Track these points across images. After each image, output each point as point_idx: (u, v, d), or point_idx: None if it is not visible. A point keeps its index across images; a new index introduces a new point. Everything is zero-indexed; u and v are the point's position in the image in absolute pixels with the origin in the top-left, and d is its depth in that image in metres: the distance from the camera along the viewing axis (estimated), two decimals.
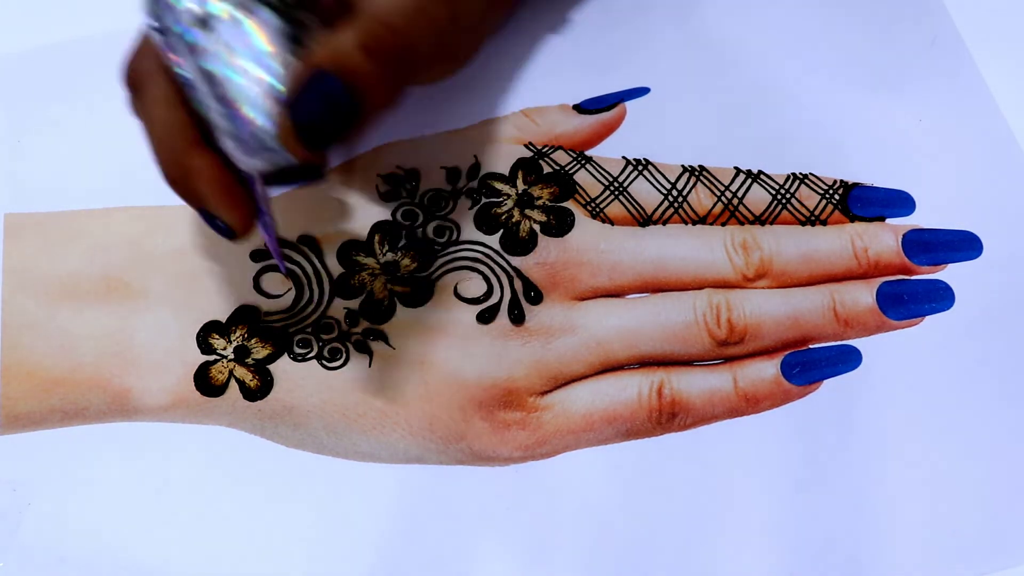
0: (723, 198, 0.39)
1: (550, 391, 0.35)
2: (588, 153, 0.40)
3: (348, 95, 0.28)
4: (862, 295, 0.37)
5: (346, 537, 0.33)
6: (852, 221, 0.38)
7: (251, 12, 0.28)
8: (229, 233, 0.30)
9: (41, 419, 0.35)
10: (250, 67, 0.28)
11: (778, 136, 0.40)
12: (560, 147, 0.40)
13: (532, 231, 0.38)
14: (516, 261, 0.37)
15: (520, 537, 0.33)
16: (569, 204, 0.38)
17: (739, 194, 0.39)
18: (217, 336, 0.36)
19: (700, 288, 0.37)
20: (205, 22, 0.27)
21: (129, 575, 0.32)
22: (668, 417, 0.35)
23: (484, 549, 0.33)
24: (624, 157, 0.40)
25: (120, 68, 0.29)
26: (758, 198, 0.39)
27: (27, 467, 0.34)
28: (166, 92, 0.29)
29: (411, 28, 0.30)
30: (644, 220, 0.38)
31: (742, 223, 0.38)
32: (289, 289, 0.36)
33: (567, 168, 0.39)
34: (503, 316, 0.36)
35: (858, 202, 0.39)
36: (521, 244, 0.37)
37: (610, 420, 0.35)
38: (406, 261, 0.37)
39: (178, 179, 0.30)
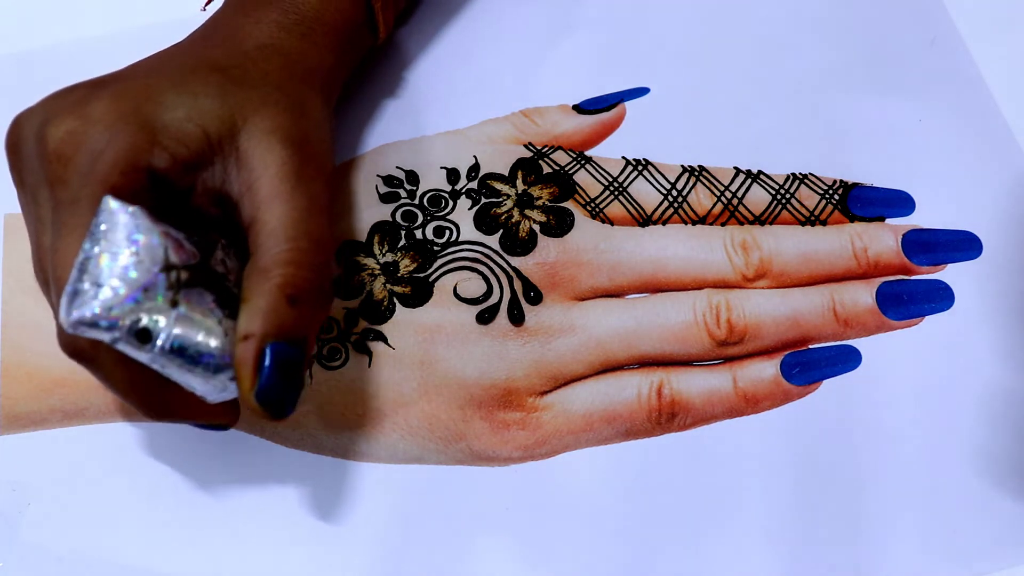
0: (723, 198, 0.39)
1: (550, 391, 0.35)
2: (588, 153, 0.40)
3: (296, 350, 0.28)
4: (862, 295, 0.37)
5: (346, 537, 0.33)
6: (852, 221, 0.38)
7: (179, 299, 0.28)
8: (224, 428, 0.32)
9: (41, 419, 0.35)
10: (199, 369, 0.28)
11: (778, 136, 0.40)
12: (560, 147, 0.40)
13: (532, 231, 0.38)
14: (516, 261, 0.37)
15: (520, 537, 0.33)
16: (569, 204, 0.38)
17: (739, 194, 0.39)
18: None
19: (700, 288, 0.37)
20: (143, 336, 0.27)
21: (128, 575, 0.32)
22: (668, 417, 0.35)
23: (484, 549, 0.33)
24: (624, 157, 0.40)
25: (60, 344, 0.28)
26: (758, 198, 0.39)
27: (27, 467, 0.34)
28: (115, 356, 0.28)
29: (317, 250, 0.29)
30: (644, 220, 0.38)
31: (742, 223, 0.38)
32: None
33: (567, 168, 0.39)
34: (503, 316, 0.36)
35: (858, 202, 0.39)
36: (521, 244, 0.37)
37: (610, 420, 0.35)
38: (406, 261, 0.37)
39: (162, 416, 0.30)
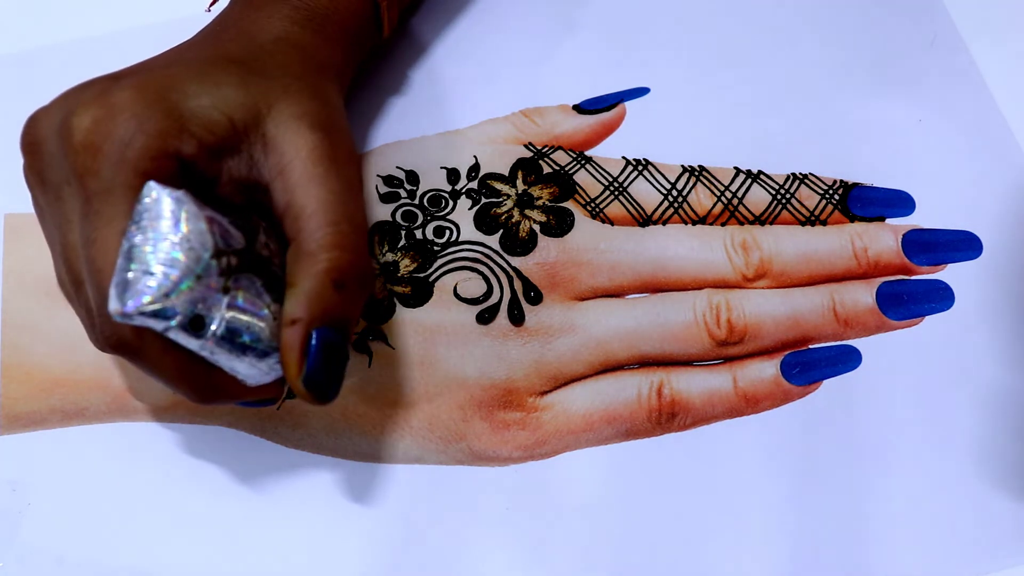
0: (723, 198, 0.39)
1: (550, 391, 0.35)
2: (588, 153, 0.40)
3: (341, 334, 0.28)
4: (862, 295, 0.37)
5: (346, 537, 0.33)
6: (852, 221, 0.38)
7: (229, 285, 0.27)
8: (270, 403, 0.31)
9: (41, 419, 0.35)
10: (248, 355, 0.28)
11: (778, 136, 0.40)
12: (560, 147, 0.40)
13: (532, 231, 0.38)
14: (516, 261, 0.37)
15: (520, 537, 0.33)
16: (569, 204, 0.38)
17: (739, 194, 0.39)
18: None
19: (700, 288, 0.37)
20: (196, 324, 0.27)
21: (128, 575, 0.32)
22: (668, 417, 0.35)
23: (484, 549, 0.33)
24: (624, 157, 0.40)
25: (101, 338, 0.28)
26: (758, 198, 0.39)
27: (27, 467, 0.34)
28: (161, 345, 0.28)
29: (358, 233, 0.29)
30: (644, 220, 0.38)
31: (742, 223, 0.38)
32: None
33: (567, 168, 0.39)
34: (503, 316, 0.36)
35: (858, 202, 0.39)
36: (521, 244, 0.37)
37: (610, 420, 0.35)
38: (406, 261, 0.37)
39: (210, 399, 0.29)
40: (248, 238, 0.28)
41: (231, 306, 0.27)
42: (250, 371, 0.28)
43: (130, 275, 0.26)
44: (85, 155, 0.28)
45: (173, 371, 0.28)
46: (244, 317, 0.27)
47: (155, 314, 0.26)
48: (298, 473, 0.34)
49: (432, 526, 0.33)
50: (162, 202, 0.27)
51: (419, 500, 0.34)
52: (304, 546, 0.33)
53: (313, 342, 0.28)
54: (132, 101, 0.28)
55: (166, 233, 0.26)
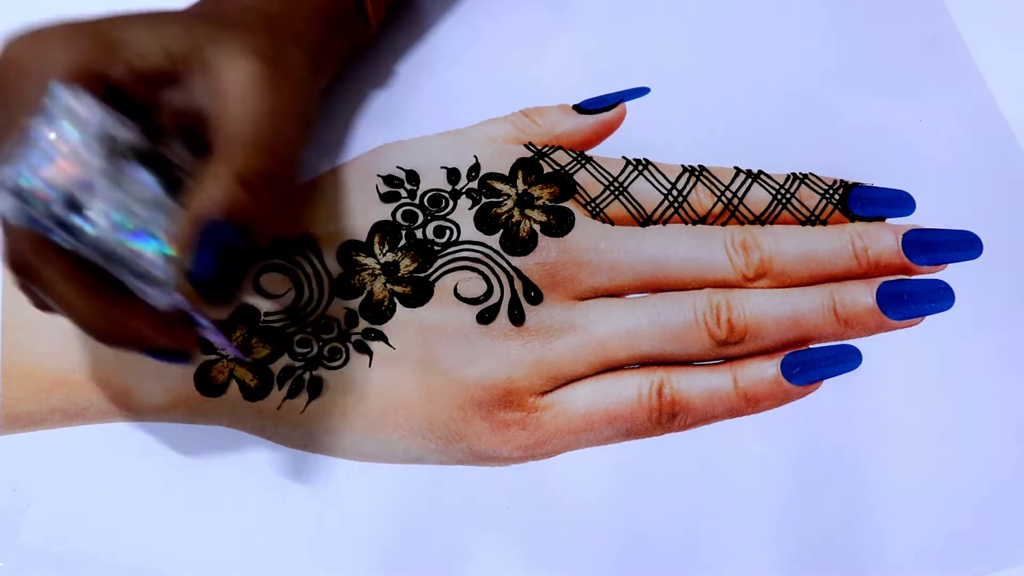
0: (723, 198, 0.39)
1: (550, 391, 0.35)
2: (588, 153, 0.40)
3: (240, 235, 0.27)
4: (862, 295, 0.37)
5: (346, 537, 0.33)
6: (852, 221, 0.38)
7: (120, 176, 0.27)
8: (182, 358, 0.30)
9: (41, 419, 0.35)
10: (137, 242, 0.27)
11: (778, 136, 0.40)
12: (560, 147, 0.40)
13: (532, 231, 0.38)
14: (516, 261, 0.37)
15: (520, 537, 0.33)
16: (569, 204, 0.38)
17: (739, 194, 0.39)
18: None
19: (700, 288, 0.37)
20: (75, 207, 0.27)
21: (129, 575, 0.32)
22: (668, 417, 0.35)
23: (484, 549, 0.33)
24: (624, 157, 0.40)
25: (7, 260, 0.28)
26: (758, 198, 0.39)
27: (27, 467, 0.34)
28: (62, 267, 0.27)
29: (278, 140, 0.29)
30: (644, 220, 0.38)
31: (742, 223, 0.38)
32: (289, 289, 0.36)
33: (567, 168, 0.39)
34: (503, 316, 0.36)
35: (858, 202, 0.39)
36: (521, 244, 0.37)
37: (610, 420, 0.35)
38: (406, 261, 0.37)
39: (114, 338, 0.29)
40: (154, 140, 0.28)
41: (115, 193, 0.27)
42: (152, 289, 0.28)
43: (19, 150, 0.26)
44: (15, 73, 0.28)
45: (72, 297, 0.28)
46: (134, 207, 0.27)
47: (33, 190, 0.26)
48: (298, 473, 0.34)
49: (432, 526, 0.33)
50: (60, 96, 0.27)
51: (419, 500, 0.34)
52: (304, 546, 0.33)
53: (201, 235, 0.27)
54: (65, 29, 0.29)
55: (60, 120, 0.27)
